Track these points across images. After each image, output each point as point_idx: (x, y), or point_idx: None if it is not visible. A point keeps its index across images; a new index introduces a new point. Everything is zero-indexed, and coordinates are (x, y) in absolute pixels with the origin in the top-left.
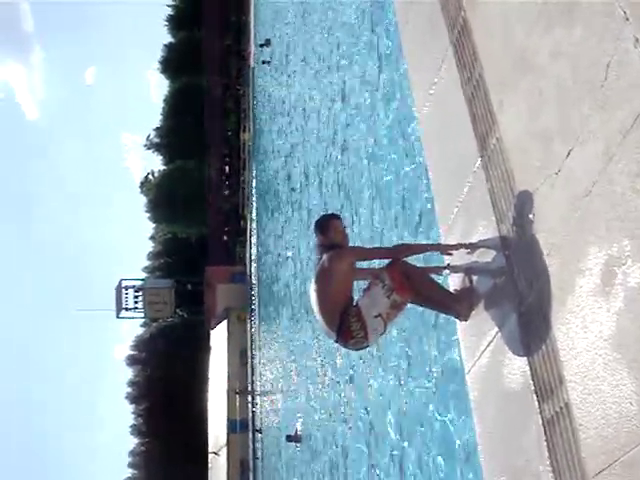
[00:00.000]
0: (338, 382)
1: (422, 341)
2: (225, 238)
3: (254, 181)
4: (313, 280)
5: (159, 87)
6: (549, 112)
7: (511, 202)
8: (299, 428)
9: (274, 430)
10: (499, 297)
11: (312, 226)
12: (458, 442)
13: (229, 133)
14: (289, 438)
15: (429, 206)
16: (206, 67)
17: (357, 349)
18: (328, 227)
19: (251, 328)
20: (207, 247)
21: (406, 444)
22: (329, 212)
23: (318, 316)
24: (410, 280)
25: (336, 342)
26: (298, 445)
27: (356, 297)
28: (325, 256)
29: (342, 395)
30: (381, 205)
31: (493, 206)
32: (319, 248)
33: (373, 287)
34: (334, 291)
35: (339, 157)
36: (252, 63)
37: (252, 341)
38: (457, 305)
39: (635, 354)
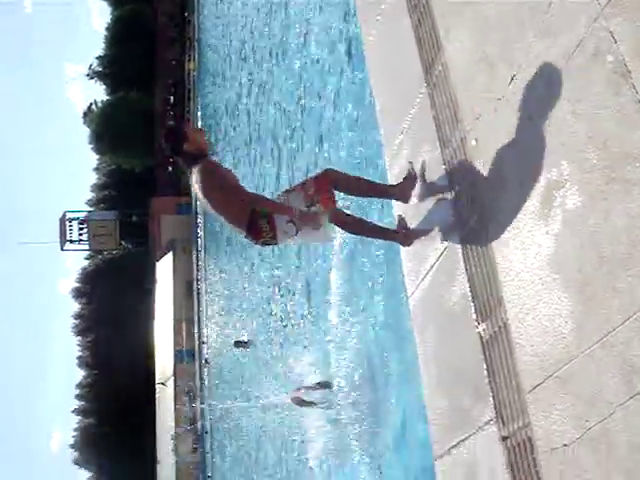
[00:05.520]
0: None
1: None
2: (170, 169)
3: (199, 111)
4: (201, 195)
5: (101, 15)
6: (494, 39)
7: (455, 128)
8: (246, 336)
9: (222, 357)
10: (442, 221)
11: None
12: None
13: (174, 62)
14: (237, 344)
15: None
16: None
17: (265, 245)
18: (186, 132)
19: (197, 259)
20: (152, 178)
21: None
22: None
23: (225, 222)
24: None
25: (245, 238)
26: (247, 349)
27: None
28: (199, 167)
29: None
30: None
31: (437, 132)
32: (185, 159)
33: (294, 193)
34: (229, 197)
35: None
36: None
37: (198, 272)
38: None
39: (571, 274)
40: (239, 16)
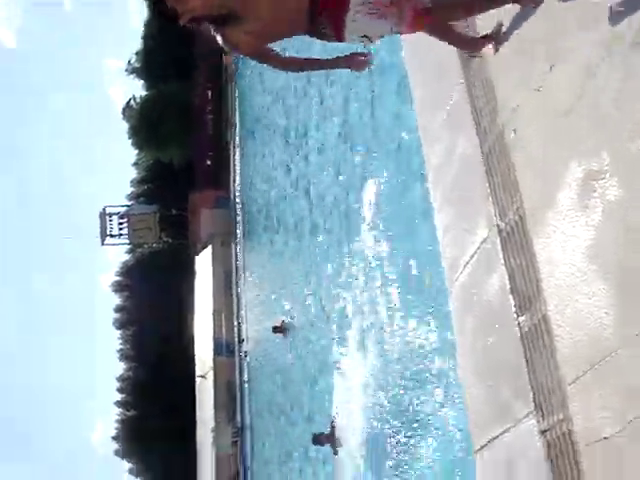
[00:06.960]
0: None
1: None
2: (209, 163)
3: (237, 104)
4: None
5: (139, 11)
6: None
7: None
8: (285, 320)
9: (261, 343)
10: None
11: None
12: None
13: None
14: (275, 329)
15: None
16: None
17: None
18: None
19: (235, 252)
20: (191, 172)
21: None
22: None
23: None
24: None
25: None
26: (285, 336)
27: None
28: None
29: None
30: None
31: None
32: (196, 24)
33: (384, 16)
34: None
35: None
36: None
37: (236, 265)
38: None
39: (610, 266)
40: None
